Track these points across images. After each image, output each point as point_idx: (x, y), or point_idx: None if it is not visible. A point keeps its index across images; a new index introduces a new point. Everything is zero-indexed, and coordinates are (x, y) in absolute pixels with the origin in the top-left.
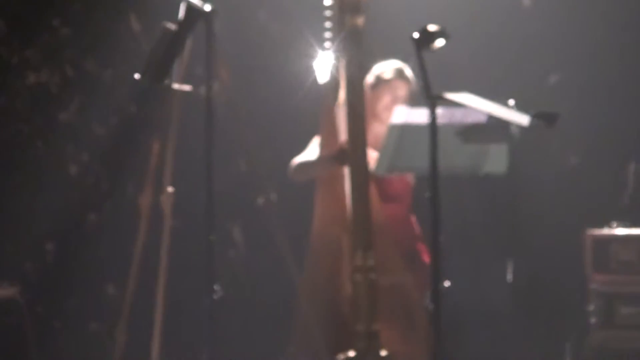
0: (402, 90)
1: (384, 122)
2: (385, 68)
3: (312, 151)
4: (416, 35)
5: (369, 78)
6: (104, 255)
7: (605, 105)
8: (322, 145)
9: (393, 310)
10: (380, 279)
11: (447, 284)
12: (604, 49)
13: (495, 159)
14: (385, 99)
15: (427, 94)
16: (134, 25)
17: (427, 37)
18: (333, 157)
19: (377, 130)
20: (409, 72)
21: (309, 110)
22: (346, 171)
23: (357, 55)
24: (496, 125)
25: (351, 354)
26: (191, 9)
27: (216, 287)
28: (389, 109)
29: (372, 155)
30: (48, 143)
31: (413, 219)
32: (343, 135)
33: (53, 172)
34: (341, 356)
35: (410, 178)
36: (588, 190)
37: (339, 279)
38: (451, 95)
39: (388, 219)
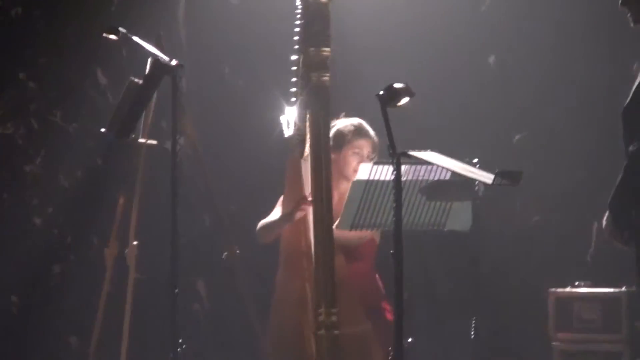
0: (367, 148)
1: None
2: (344, 129)
3: (276, 211)
4: (382, 92)
5: (330, 140)
6: (68, 307)
7: (568, 164)
8: (287, 199)
9: None
10: (342, 329)
11: (409, 340)
12: (567, 107)
13: (459, 217)
14: (353, 161)
15: (392, 151)
16: (100, 79)
17: (393, 95)
18: (293, 210)
19: (343, 190)
20: (366, 126)
21: (274, 164)
22: (310, 225)
23: (323, 110)
24: (460, 183)
25: None
26: (157, 64)
27: (180, 340)
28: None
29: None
30: (13, 194)
31: (378, 276)
32: (308, 189)
33: (18, 223)
34: None
35: (376, 237)
36: (551, 248)
37: (303, 334)
38: (416, 153)
39: (352, 276)
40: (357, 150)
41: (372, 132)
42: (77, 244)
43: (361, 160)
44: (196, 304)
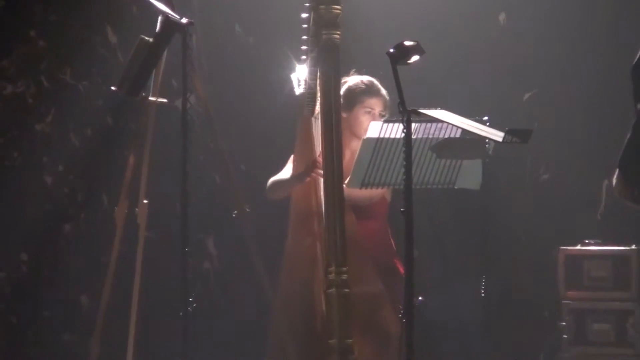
0: (378, 106)
1: None
2: (355, 87)
3: (287, 169)
4: (392, 50)
5: (341, 99)
6: (78, 266)
7: (578, 121)
8: (298, 157)
9: (366, 322)
10: (354, 289)
11: (420, 298)
12: (577, 65)
13: (470, 175)
14: (365, 121)
15: (402, 109)
16: (111, 37)
17: (403, 52)
18: (303, 172)
19: (355, 148)
20: (378, 84)
21: (285, 122)
22: (321, 183)
23: (334, 68)
24: (470, 141)
25: None
26: (168, 22)
27: (190, 299)
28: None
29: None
30: (24, 154)
31: (389, 234)
32: (319, 147)
33: (28, 182)
34: None
35: (387, 195)
36: (561, 207)
37: (313, 293)
38: (426, 111)
39: (364, 234)
40: (368, 109)
41: (383, 90)
42: (87, 203)
43: (373, 119)
44: (206, 262)
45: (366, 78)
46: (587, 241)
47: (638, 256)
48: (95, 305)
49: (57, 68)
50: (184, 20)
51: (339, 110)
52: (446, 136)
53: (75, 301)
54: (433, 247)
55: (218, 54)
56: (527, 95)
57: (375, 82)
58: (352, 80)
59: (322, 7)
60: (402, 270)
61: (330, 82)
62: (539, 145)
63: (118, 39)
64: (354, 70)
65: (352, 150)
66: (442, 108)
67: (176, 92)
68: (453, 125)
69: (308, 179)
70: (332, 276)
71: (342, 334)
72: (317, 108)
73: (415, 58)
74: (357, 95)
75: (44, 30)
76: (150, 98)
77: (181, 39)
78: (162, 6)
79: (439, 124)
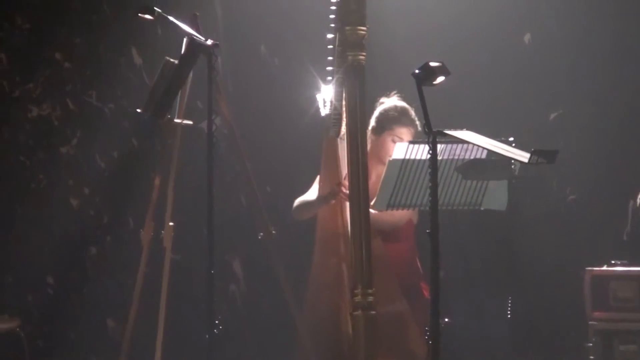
0: (407, 136)
1: None
2: (387, 113)
3: (313, 190)
4: (418, 71)
5: (373, 120)
6: (104, 288)
7: (604, 142)
8: (324, 178)
9: (392, 343)
10: (379, 308)
11: (446, 319)
12: (602, 85)
13: (495, 196)
14: (391, 148)
15: (428, 130)
16: (136, 59)
17: (429, 73)
18: (329, 194)
19: (381, 171)
20: (411, 113)
21: (310, 143)
22: (347, 205)
23: (359, 89)
24: (496, 162)
25: None
26: (193, 44)
27: (217, 321)
28: None
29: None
30: (50, 176)
31: (417, 257)
32: (344, 168)
33: (54, 205)
34: None
35: (414, 217)
36: (587, 227)
37: (339, 314)
38: (451, 132)
39: (391, 256)
40: (396, 138)
41: (416, 121)
42: (113, 225)
43: None
44: (232, 284)
45: (401, 105)
46: (613, 262)
47: None
48: (121, 328)
49: (83, 90)
50: (209, 42)
51: (364, 132)
52: (472, 157)
53: (101, 324)
54: (459, 268)
55: (243, 75)
56: (552, 116)
57: (410, 110)
58: (388, 103)
59: (347, 28)
60: (426, 294)
61: (356, 103)
62: (565, 166)
63: (143, 61)
64: (395, 92)
65: (378, 172)
66: (467, 129)
67: (201, 114)
68: (479, 146)
69: (334, 200)
70: (358, 298)
71: (368, 357)
72: (343, 129)
73: (440, 79)
74: (388, 121)
75: (69, 52)
76: (176, 120)
77: (206, 61)
78: (187, 28)
79: (465, 145)
